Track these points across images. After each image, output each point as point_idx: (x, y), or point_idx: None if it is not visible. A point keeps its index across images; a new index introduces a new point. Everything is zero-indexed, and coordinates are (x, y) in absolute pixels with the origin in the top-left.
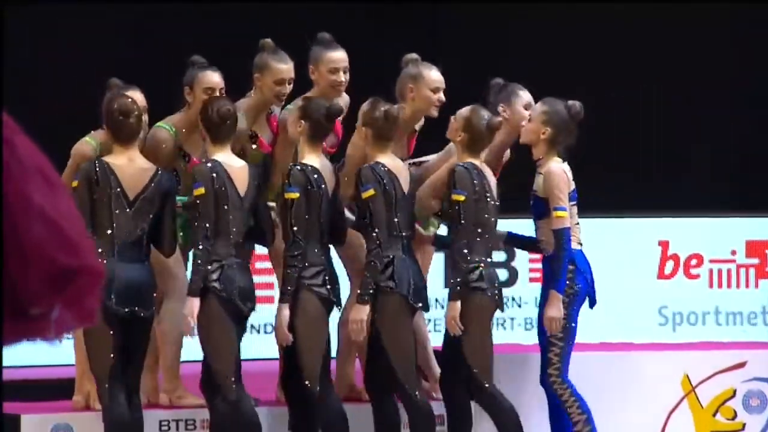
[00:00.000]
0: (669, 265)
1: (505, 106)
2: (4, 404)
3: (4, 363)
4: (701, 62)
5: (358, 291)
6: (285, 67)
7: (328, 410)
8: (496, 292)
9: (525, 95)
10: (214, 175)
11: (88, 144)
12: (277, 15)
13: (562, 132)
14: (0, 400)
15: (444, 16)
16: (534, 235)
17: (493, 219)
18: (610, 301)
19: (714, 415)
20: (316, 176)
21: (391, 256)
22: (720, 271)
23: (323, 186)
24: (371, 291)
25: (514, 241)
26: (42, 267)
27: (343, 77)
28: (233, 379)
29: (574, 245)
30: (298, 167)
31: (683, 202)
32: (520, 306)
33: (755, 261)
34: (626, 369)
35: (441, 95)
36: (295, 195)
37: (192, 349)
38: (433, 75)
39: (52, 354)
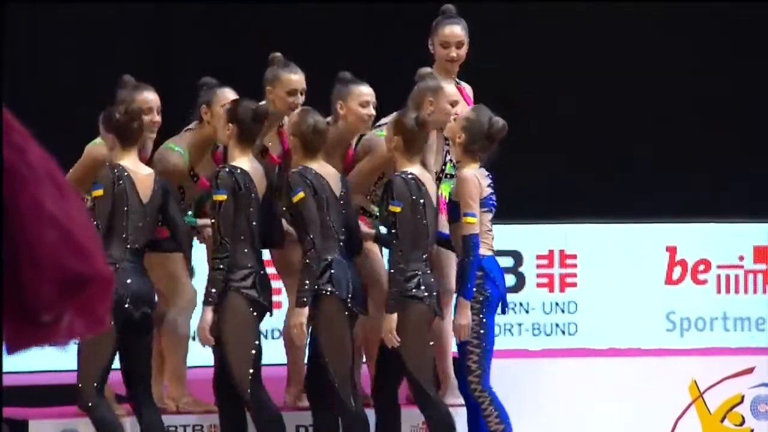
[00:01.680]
0: (677, 271)
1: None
2: (13, 410)
3: (13, 368)
4: (706, 64)
5: (296, 295)
6: (296, 77)
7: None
8: (434, 300)
9: (449, 89)
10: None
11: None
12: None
13: (476, 142)
14: (0, 404)
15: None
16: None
17: (431, 227)
18: (618, 306)
19: (722, 421)
20: (245, 179)
21: (329, 259)
22: (728, 277)
23: (253, 189)
24: (309, 294)
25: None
26: (54, 274)
27: (372, 111)
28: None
29: (486, 251)
30: (227, 170)
31: (691, 208)
32: (527, 311)
33: (763, 267)
34: (634, 375)
35: (457, 108)
36: (223, 197)
37: (199, 354)
38: (448, 89)
39: (60, 359)
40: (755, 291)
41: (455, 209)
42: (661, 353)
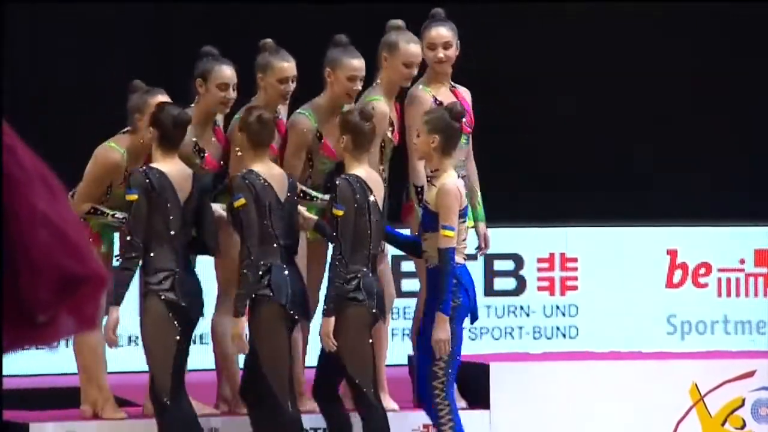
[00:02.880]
0: (677, 274)
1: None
2: (13, 413)
3: (13, 372)
4: (706, 65)
5: (234, 304)
6: (288, 65)
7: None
8: (374, 302)
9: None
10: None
11: (115, 151)
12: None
13: (449, 135)
14: (0, 407)
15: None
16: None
17: (376, 229)
18: (619, 310)
19: (723, 424)
20: (161, 181)
21: (269, 265)
22: (729, 280)
23: (170, 191)
24: (246, 303)
25: (391, 239)
26: (50, 274)
27: (359, 85)
28: None
29: (459, 260)
30: (141, 170)
31: (692, 211)
32: (528, 315)
33: (764, 270)
34: (635, 378)
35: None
36: (134, 197)
37: (198, 357)
38: (409, 47)
39: (60, 363)
40: (756, 294)
41: (432, 219)
42: (662, 356)
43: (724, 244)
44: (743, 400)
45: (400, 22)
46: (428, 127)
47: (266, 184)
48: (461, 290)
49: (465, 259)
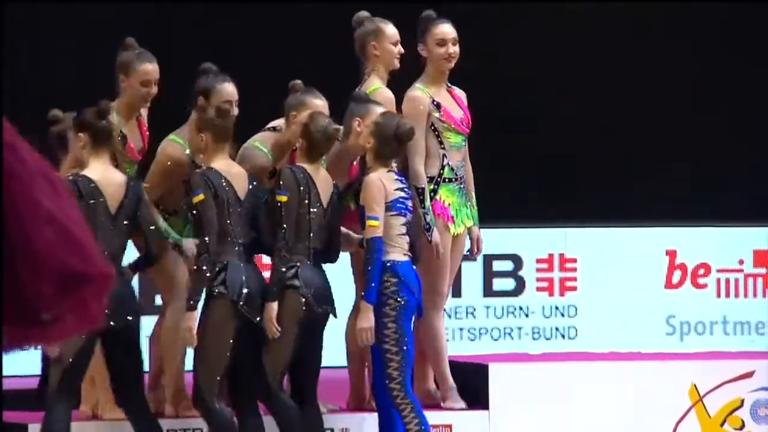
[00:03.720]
0: (676, 275)
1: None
2: (12, 414)
3: (11, 372)
4: (706, 67)
5: (186, 298)
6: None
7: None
8: (311, 293)
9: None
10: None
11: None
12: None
13: (384, 146)
14: (0, 408)
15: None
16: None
17: (317, 223)
18: (618, 310)
19: (722, 425)
20: (88, 187)
21: (225, 262)
22: (727, 281)
23: (98, 198)
24: (199, 298)
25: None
26: (53, 272)
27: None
28: None
29: (400, 257)
30: (70, 177)
31: (691, 212)
32: (527, 315)
33: (763, 271)
34: (634, 379)
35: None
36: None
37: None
38: (388, 29)
39: None
40: (755, 295)
41: (363, 213)
42: (661, 357)
43: (723, 244)
44: (742, 401)
45: (366, 13)
46: (372, 129)
47: (225, 181)
48: (405, 288)
49: (408, 256)
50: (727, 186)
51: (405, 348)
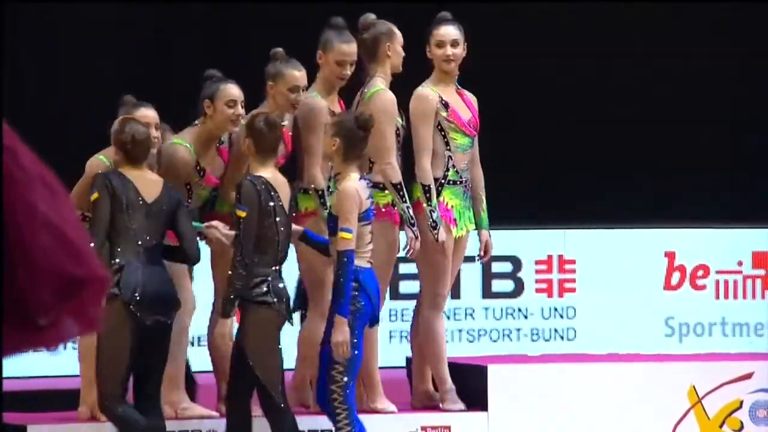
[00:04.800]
0: (675, 276)
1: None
2: (11, 415)
3: (10, 374)
4: (705, 69)
5: None
6: (299, 74)
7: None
8: (284, 306)
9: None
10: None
11: (102, 162)
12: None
13: (351, 142)
14: (0, 409)
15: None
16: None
17: (283, 233)
18: (617, 312)
19: (721, 426)
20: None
21: (122, 263)
22: (726, 282)
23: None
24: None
25: (307, 240)
26: (50, 276)
27: (349, 71)
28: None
29: (363, 263)
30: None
31: (690, 213)
32: (526, 317)
33: (762, 272)
34: (633, 380)
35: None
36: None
37: (197, 360)
38: (398, 32)
39: (58, 365)
40: (754, 296)
41: (335, 222)
42: (660, 359)
43: (722, 246)
44: (741, 402)
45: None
46: (333, 130)
47: (128, 182)
48: (363, 294)
49: (370, 263)
50: (726, 187)
51: (353, 353)
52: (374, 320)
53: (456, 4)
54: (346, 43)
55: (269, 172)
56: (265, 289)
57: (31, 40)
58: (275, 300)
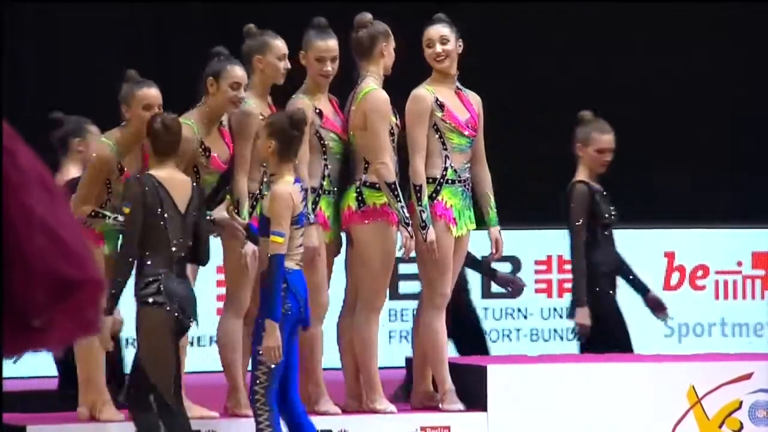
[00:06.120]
0: (675, 277)
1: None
2: (11, 416)
3: (9, 374)
4: (704, 69)
5: None
6: (282, 44)
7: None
8: (177, 306)
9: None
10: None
11: (105, 145)
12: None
13: (285, 142)
14: (0, 409)
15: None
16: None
17: (174, 229)
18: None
19: (720, 426)
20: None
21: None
22: (726, 282)
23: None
24: None
25: (252, 238)
26: (46, 278)
27: (330, 67)
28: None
29: (292, 265)
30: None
31: (689, 214)
32: (525, 317)
33: (761, 272)
34: (632, 380)
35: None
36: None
37: (196, 360)
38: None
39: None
40: (753, 296)
41: (266, 224)
42: (660, 359)
43: (722, 246)
44: (741, 403)
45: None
46: (267, 131)
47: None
48: (290, 297)
49: (299, 265)
50: (726, 187)
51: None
52: (303, 322)
53: (455, 4)
54: (323, 39)
55: (165, 172)
56: (154, 289)
57: (31, 40)
58: (166, 301)
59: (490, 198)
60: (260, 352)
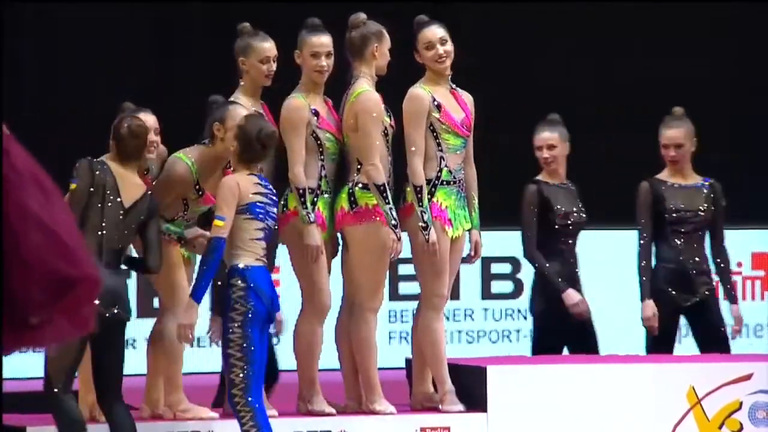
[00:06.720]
0: None
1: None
2: (10, 416)
3: (10, 374)
4: (703, 69)
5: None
6: (269, 45)
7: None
8: (114, 299)
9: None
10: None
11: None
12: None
13: (247, 150)
14: (0, 410)
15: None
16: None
17: (111, 221)
18: (616, 313)
19: (720, 427)
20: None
21: None
22: None
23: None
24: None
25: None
26: (42, 276)
27: (325, 62)
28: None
29: (252, 261)
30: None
31: None
32: (525, 318)
33: (761, 273)
34: (632, 381)
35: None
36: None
37: (196, 361)
38: (385, 33)
39: None
40: (753, 297)
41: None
42: (660, 359)
43: None
44: (740, 403)
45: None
46: (236, 132)
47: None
48: (252, 294)
49: (261, 261)
50: (725, 188)
51: (250, 354)
52: (269, 319)
53: (455, 4)
54: (316, 35)
55: (122, 169)
56: None
57: (31, 40)
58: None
59: (474, 200)
60: (231, 354)
